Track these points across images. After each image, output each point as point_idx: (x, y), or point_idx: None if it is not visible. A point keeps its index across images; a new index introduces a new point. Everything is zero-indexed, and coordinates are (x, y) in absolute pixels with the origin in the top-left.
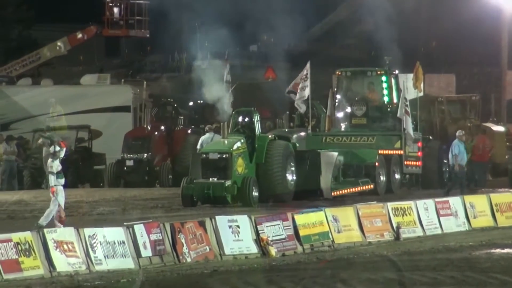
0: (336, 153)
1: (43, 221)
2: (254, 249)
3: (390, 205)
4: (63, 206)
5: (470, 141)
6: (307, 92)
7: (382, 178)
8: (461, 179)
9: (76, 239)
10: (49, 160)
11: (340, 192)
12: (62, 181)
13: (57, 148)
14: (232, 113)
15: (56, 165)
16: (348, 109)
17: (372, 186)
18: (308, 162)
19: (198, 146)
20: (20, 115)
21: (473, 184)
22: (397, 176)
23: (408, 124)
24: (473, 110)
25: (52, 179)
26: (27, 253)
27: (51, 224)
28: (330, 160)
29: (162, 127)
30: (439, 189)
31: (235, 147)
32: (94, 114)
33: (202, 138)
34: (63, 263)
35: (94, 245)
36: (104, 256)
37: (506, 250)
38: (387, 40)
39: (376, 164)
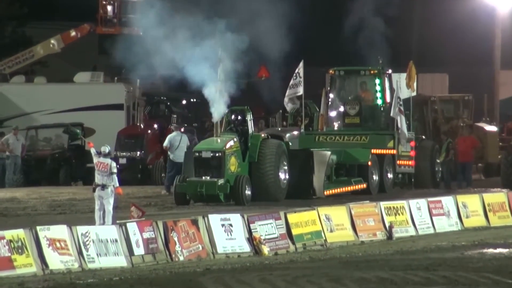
0: (329, 152)
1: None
2: (246, 247)
3: (383, 204)
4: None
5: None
6: (300, 90)
7: (375, 177)
8: None
9: (68, 237)
10: (110, 160)
11: (333, 191)
12: None
13: (110, 148)
14: (225, 112)
15: (116, 166)
16: (341, 108)
17: (365, 185)
18: (301, 161)
19: (165, 144)
20: (14, 113)
21: (464, 184)
22: (390, 175)
23: (403, 123)
24: (466, 109)
25: (116, 180)
26: (19, 250)
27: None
28: (323, 159)
29: (155, 126)
30: (431, 188)
31: (228, 145)
32: (87, 112)
33: (169, 136)
34: (56, 261)
35: (87, 243)
36: (97, 254)
37: (498, 250)
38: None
39: (369, 163)
